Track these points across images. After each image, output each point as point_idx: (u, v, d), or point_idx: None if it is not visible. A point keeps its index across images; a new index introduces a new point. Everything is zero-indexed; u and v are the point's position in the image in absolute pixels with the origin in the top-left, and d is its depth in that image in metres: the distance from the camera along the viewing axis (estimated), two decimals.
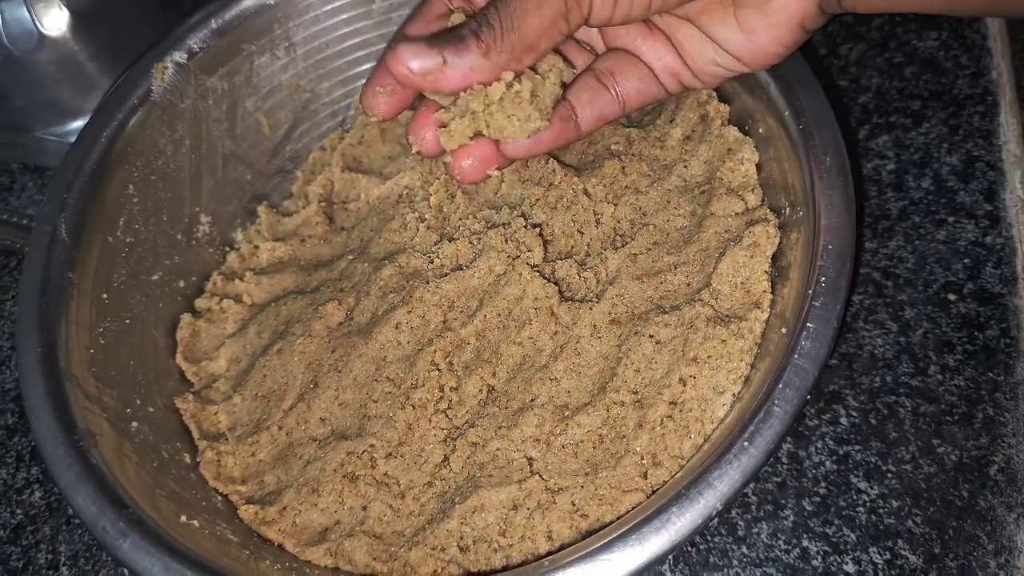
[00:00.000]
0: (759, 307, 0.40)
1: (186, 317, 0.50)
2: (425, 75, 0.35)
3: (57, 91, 0.60)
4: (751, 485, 0.45)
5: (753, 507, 0.44)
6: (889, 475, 0.44)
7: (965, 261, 0.49)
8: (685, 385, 0.39)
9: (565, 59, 0.41)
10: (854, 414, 0.46)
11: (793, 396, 0.35)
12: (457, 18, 0.39)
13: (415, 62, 0.35)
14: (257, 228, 0.54)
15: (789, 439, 0.46)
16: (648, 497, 0.38)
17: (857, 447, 0.45)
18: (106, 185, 0.46)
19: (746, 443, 0.34)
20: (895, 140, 0.53)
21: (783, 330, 0.37)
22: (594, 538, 0.34)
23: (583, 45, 0.44)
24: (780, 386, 0.35)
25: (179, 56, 0.49)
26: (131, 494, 0.38)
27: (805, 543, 0.43)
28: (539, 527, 0.39)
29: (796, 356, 0.35)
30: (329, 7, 0.51)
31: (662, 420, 0.39)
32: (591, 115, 0.41)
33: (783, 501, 0.44)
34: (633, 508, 0.38)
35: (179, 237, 0.51)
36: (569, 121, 0.40)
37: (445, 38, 0.35)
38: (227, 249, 0.53)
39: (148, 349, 0.47)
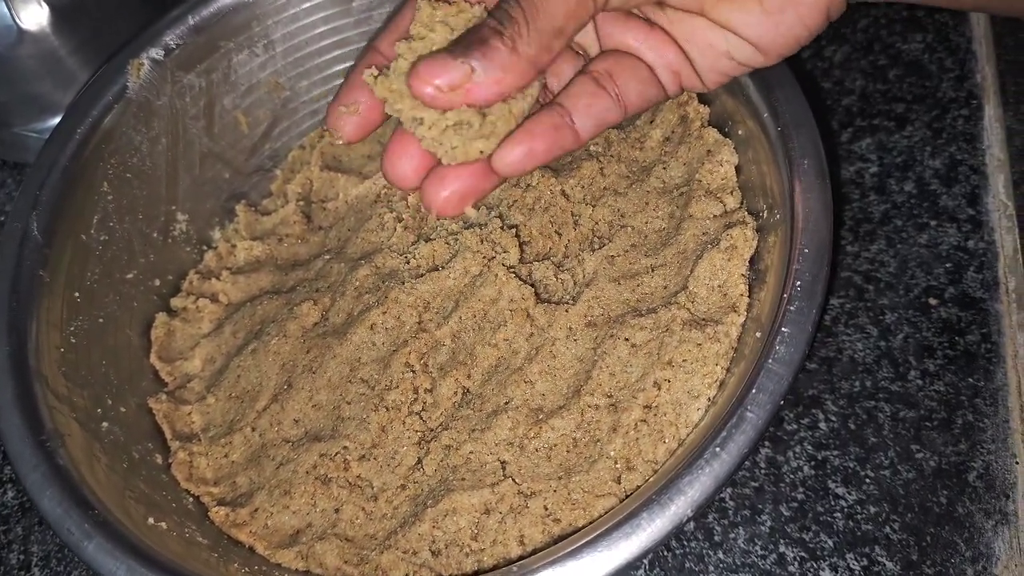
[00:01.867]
0: (735, 311, 0.39)
1: (161, 316, 0.49)
2: (454, 89, 0.31)
3: (37, 86, 0.60)
4: (728, 490, 0.45)
5: (730, 512, 0.44)
6: (867, 481, 0.44)
7: (947, 265, 0.49)
8: (660, 389, 0.39)
9: None
10: (833, 419, 0.46)
11: (767, 401, 0.34)
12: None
13: (442, 77, 0.31)
14: (235, 227, 0.53)
15: (767, 444, 0.45)
16: (621, 502, 0.37)
17: (835, 452, 0.45)
18: (80, 182, 0.46)
19: (718, 449, 0.34)
20: (878, 143, 0.53)
21: (758, 334, 0.37)
22: (564, 543, 0.34)
23: (575, 49, 0.40)
24: (754, 391, 0.34)
25: (155, 53, 0.48)
26: (98, 495, 0.38)
27: (782, 549, 0.43)
28: (511, 531, 0.38)
29: (770, 361, 0.35)
30: (308, 4, 0.51)
31: (636, 424, 0.39)
32: (589, 122, 0.36)
33: (760, 506, 0.44)
34: (606, 513, 0.37)
35: (155, 235, 0.50)
36: (564, 129, 0.35)
37: (465, 43, 0.32)
38: (204, 248, 0.53)
39: (121, 348, 0.47)
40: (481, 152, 0.33)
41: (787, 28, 0.36)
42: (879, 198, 0.51)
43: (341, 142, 0.36)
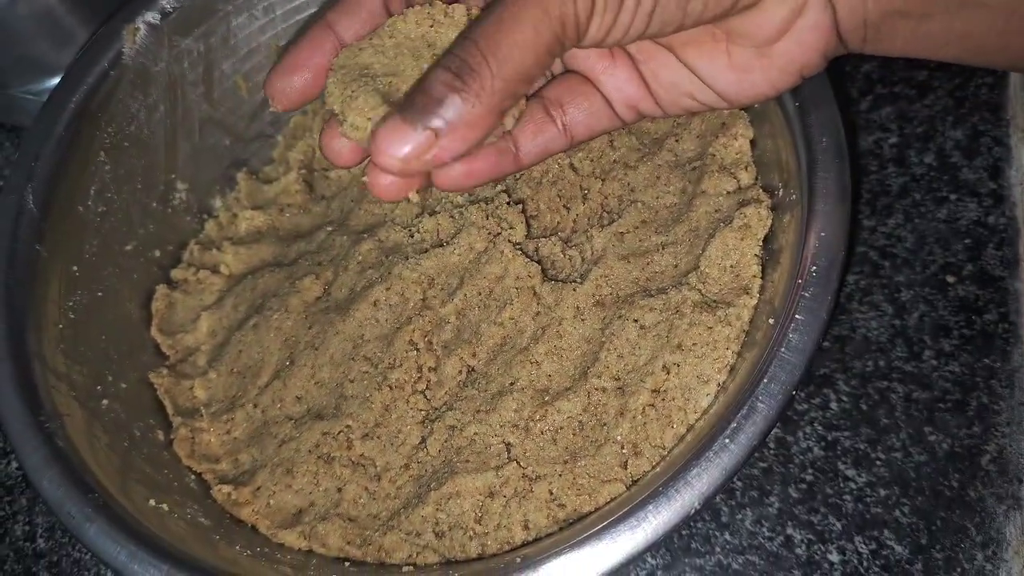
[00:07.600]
0: (748, 293, 0.38)
1: (162, 288, 0.48)
2: (420, 157, 0.29)
3: (33, 47, 0.58)
4: None
5: (738, 493, 0.43)
6: (878, 463, 0.43)
7: (966, 241, 0.47)
8: (668, 373, 0.38)
9: None
10: (844, 399, 0.45)
11: (778, 391, 0.33)
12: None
13: (404, 147, 0.29)
14: (236, 195, 0.52)
15: (777, 424, 0.45)
16: (628, 488, 0.37)
17: (846, 433, 0.44)
18: (76, 153, 0.44)
19: (727, 440, 0.33)
20: (899, 112, 0.51)
21: (771, 320, 0.36)
22: (567, 534, 0.34)
23: None
24: (765, 381, 0.34)
25: (151, 17, 0.46)
26: (99, 477, 0.38)
27: (789, 531, 0.42)
28: (515, 516, 0.38)
29: (783, 349, 0.34)
30: None
31: (644, 408, 0.38)
32: (534, 149, 0.36)
33: (769, 487, 0.43)
34: (612, 499, 0.37)
35: (154, 205, 0.49)
36: (507, 154, 0.35)
37: (419, 105, 0.29)
38: (205, 217, 0.52)
39: (121, 322, 0.46)
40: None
41: (751, 86, 0.35)
42: (898, 170, 0.50)
43: (275, 110, 0.34)
